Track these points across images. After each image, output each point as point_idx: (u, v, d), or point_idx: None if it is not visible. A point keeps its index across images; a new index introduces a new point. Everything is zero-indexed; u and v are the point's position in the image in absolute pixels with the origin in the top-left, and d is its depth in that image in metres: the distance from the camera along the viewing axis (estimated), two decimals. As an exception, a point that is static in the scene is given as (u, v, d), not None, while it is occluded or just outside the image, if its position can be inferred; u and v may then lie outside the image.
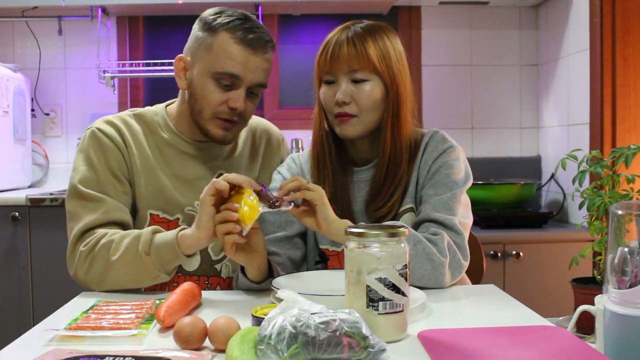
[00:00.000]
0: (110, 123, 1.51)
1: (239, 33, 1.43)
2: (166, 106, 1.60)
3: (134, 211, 1.50)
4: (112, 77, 3.08)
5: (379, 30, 1.44)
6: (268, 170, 1.63)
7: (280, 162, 1.67)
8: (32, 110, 3.22)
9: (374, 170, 1.49)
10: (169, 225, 1.49)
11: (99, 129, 1.49)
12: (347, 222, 1.32)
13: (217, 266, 1.53)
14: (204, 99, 1.45)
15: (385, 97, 1.44)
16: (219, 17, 1.46)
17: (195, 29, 1.49)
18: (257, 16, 3.08)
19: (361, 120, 1.43)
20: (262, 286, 1.35)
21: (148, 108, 1.60)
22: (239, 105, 1.44)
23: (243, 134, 1.64)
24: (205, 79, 1.45)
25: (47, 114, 3.28)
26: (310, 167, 1.55)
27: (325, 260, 1.51)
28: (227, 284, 1.54)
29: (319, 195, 1.28)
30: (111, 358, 0.88)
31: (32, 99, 3.23)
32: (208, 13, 1.48)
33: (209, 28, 1.45)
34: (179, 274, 1.51)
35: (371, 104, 1.42)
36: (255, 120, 1.69)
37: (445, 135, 1.51)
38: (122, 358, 0.88)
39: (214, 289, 1.52)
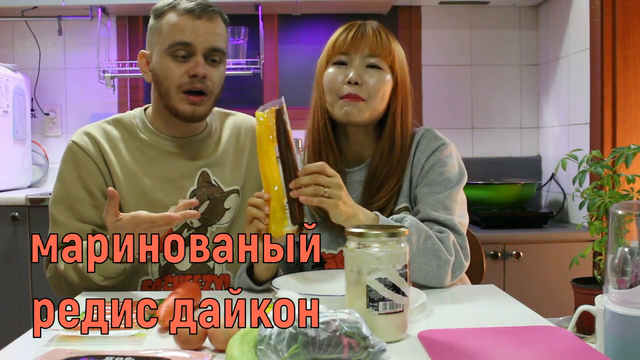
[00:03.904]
0: (88, 134, 1.54)
1: (180, 7, 1.48)
2: (145, 109, 1.62)
3: None
4: (112, 77, 3.08)
5: (391, 33, 1.50)
6: (257, 165, 1.61)
7: None
8: (32, 110, 3.22)
9: (367, 170, 1.49)
10: None
11: (75, 142, 1.53)
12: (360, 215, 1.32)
13: (210, 264, 1.53)
14: (167, 78, 1.48)
15: (392, 95, 1.46)
16: (164, 2, 1.51)
17: (149, 22, 1.54)
18: (257, 16, 3.08)
19: (368, 105, 1.43)
20: (262, 287, 1.35)
21: (127, 112, 1.63)
22: (199, 70, 1.46)
23: (227, 131, 1.64)
24: (162, 59, 1.48)
25: (47, 114, 3.27)
26: (303, 160, 1.54)
27: (322, 263, 1.50)
28: (222, 281, 1.54)
29: (333, 204, 1.25)
30: (111, 358, 0.88)
31: (32, 99, 3.23)
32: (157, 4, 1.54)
33: (157, 15, 1.51)
34: (172, 274, 1.51)
35: (381, 91, 1.44)
36: (240, 118, 1.69)
37: (436, 132, 1.51)
38: (122, 358, 0.88)
39: (209, 287, 1.52)
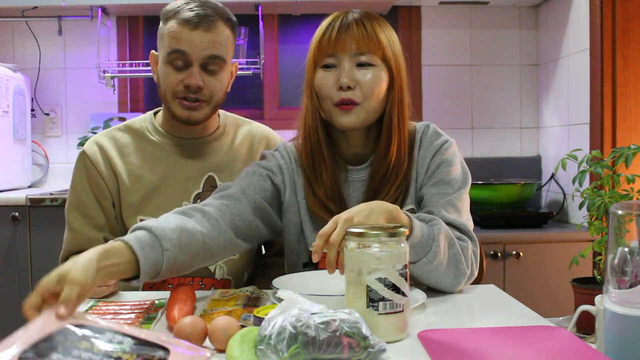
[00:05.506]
0: (97, 144, 1.58)
1: (180, 15, 1.49)
2: (155, 113, 1.65)
3: (124, 220, 1.55)
4: (112, 77, 3.08)
5: (382, 20, 1.40)
6: None
7: None
8: (32, 110, 3.22)
9: (370, 169, 1.42)
10: None
11: (84, 152, 1.58)
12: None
13: (211, 267, 1.53)
14: (164, 83, 1.52)
15: (389, 88, 1.37)
16: (172, 6, 1.53)
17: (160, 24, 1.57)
18: (257, 16, 3.08)
19: (364, 108, 1.34)
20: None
21: (139, 117, 1.66)
22: (193, 81, 1.48)
23: (239, 138, 1.64)
24: (163, 64, 1.52)
25: (47, 114, 3.27)
26: (300, 163, 1.44)
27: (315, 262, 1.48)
28: (221, 285, 1.54)
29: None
30: (111, 333, 0.86)
31: (32, 99, 3.23)
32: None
33: (164, 18, 1.54)
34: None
35: (376, 91, 1.34)
36: (255, 127, 1.70)
37: (437, 129, 1.45)
38: (121, 335, 0.85)
39: (208, 290, 1.52)
